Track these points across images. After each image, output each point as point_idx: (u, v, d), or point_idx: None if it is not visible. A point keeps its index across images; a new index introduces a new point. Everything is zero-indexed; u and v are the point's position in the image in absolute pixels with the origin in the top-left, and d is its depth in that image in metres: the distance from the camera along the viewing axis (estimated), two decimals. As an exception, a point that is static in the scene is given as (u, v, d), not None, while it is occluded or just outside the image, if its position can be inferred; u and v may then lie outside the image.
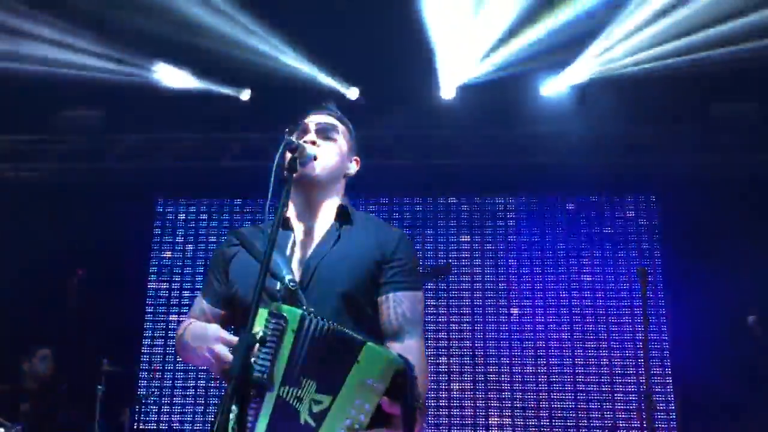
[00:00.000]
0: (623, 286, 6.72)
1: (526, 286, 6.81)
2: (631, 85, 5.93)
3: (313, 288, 1.93)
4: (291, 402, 1.61)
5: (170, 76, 6.22)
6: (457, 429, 6.52)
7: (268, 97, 6.38)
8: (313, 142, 2.05)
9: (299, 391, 1.61)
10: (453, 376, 6.64)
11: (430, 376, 6.44)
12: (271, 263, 1.70)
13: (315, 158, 2.02)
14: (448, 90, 6.37)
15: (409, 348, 1.93)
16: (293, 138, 1.93)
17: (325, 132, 2.11)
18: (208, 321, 2.02)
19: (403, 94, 6.32)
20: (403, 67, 6.00)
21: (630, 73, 5.84)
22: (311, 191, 2.07)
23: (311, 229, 2.07)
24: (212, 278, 2.12)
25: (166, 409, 6.69)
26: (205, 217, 7.19)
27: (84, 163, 6.89)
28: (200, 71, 6.24)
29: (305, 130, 2.10)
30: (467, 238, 6.98)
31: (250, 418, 1.59)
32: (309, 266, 1.97)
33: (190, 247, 7.11)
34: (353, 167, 2.21)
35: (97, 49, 5.79)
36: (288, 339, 1.63)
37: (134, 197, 7.03)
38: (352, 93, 6.44)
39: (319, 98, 2.26)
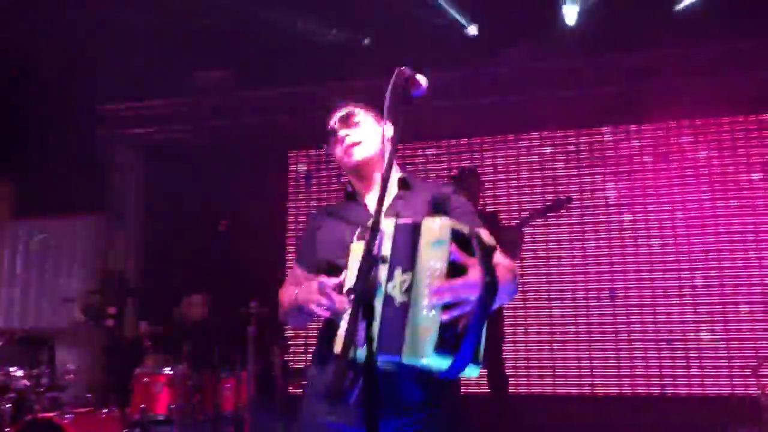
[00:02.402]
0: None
1: (665, 210, 6.54)
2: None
3: None
4: (391, 293, 1.81)
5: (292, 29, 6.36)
6: (599, 361, 6.45)
7: (387, 40, 6.38)
8: (346, 135, 2.28)
9: (394, 282, 1.82)
10: (592, 302, 6.55)
11: (568, 302, 6.55)
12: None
13: (353, 145, 2.27)
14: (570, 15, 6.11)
15: None
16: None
17: (346, 121, 2.30)
18: None
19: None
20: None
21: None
22: (362, 170, 2.31)
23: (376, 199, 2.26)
24: (305, 247, 2.39)
25: (312, 349, 7.03)
26: (335, 165, 7.37)
27: (219, 120, 7.27)
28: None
29: (334, 131, 2.31)
30: (602, 170, 6.76)
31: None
32: None
33: (324, 195, 7.37)
34: (389, 130, 2.35)
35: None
36: (386, 245, 1.87)
37: (268, 150, 7.38)
38: (472, 29, 6.33)
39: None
